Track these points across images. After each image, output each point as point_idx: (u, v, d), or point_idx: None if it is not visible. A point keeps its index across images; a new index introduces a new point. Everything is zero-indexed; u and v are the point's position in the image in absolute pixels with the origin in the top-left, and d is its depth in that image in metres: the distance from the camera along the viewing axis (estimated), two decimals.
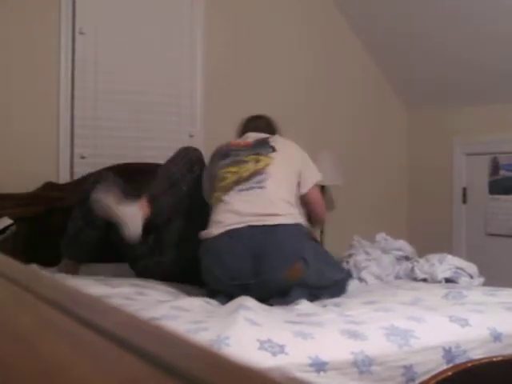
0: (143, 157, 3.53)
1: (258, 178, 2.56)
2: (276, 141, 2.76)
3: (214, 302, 2.30)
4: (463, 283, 2.72)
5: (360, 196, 4.32)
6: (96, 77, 3.49)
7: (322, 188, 4.00)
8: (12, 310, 0.55)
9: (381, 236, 3.21)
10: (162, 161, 3.51)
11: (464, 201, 4.12)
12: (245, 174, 2.57)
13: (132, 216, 2.51)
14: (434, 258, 2.89)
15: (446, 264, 2.80)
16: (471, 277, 2.78)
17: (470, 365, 1.85)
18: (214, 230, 2.46)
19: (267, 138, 2.78)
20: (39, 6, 3.38)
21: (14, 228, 2.91)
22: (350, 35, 4.32)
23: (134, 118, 3.60)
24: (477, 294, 2.39)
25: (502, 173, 3.88)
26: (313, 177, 2.78)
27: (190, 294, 2.48)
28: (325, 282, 2.54)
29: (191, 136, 3.73)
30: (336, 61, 4.29)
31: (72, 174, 3.42)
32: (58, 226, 3.24)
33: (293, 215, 2.51)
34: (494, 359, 1.90)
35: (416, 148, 4.50)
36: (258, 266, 2.37)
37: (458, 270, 2.79)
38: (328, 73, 4.27)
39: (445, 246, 4.08)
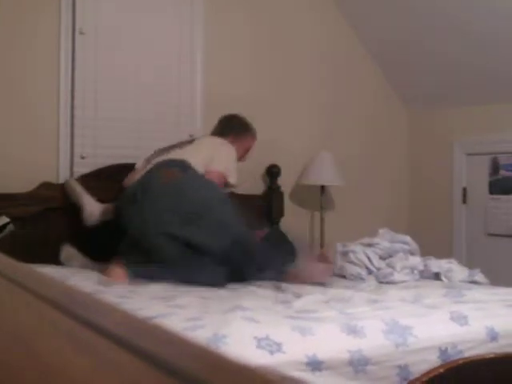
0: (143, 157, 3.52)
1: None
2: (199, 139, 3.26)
3: (210, 297, 2.30)
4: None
5: (360, 196, 4.32)
6: (96, 77, 3.49)
7: (322, 188, 4.00)
8: (12, 310, 0.55)
9: (384, 230, 3.19)
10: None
11: (464, 201, 4.12)
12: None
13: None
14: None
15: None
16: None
17: (461, 362, 1.85)
18: None
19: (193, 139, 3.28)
20: (39, 5, 3.38)
21: (11, 226, 2.91)
22: (351, 36, 4.31)
23: (133, 118, 3.60)
24: (477, 292, 2.39)
25: (502, 173, 3.88)
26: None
27: (188, 291, 2.47)
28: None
29: (191, 136, 3.72)
30: (336, 62, 4.29)
31: (72, 174, 3.41)
32: (56, 225, 3.25)
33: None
34: (486, 356, 1.91)
35: (416, 148, 4.50)
36: None
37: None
38: (328, 74, 4.27)
39: (445, 245, 4.08)
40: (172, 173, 2.80)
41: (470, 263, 3.17)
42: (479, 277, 2.79)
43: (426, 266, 2.88)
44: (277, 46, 4.07)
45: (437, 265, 2.86)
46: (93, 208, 3.12)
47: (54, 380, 0.37)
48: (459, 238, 4.11)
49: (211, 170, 3.06)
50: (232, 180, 3.15)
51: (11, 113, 3.32)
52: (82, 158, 3.45)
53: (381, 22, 4.13)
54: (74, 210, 3.26)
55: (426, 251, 3.15)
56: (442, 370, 1.80)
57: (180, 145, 3.21)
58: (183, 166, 2.87)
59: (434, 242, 3.97)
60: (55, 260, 2.97)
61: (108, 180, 3.37)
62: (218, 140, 3.25)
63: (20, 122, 3.34)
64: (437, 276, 2.82)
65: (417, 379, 1.77)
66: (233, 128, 3.35)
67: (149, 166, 2.99)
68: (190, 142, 3.26)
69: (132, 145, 3.58)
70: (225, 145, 3.22)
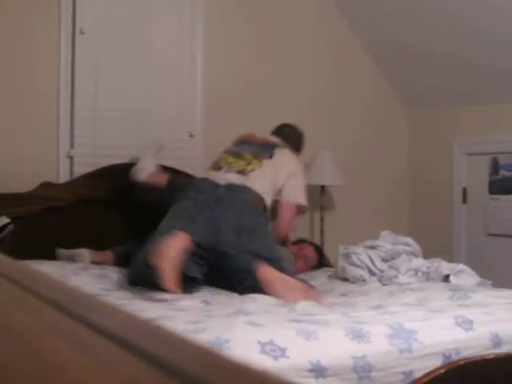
0: None
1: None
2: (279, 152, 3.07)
3: (212, 302, 2.29)
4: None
5: (361, 196, 4.32)
6: (96, 77, 3.49)
7: (322, 188, 4.00)
8: (12, 309, 0.55)
9: (386, 232, 3.18)
10: (161, 161, 3.53)
11: (464, 201, 4.12)
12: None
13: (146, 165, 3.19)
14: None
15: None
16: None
17: (462, 362, 1.85)
18: None
19: (275, 144, 3.11)
20: (39, 5, 3.38)
21: (11, 227, 2.91)
22: (352, 38, 4.31)
23: (133, 117, 3.60)
24: (482, 295, 2.36)
25: (502, 173, 3.88)
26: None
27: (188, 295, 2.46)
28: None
29: (191, 136, 3.73)
30: (336, 62, 4.29)
31: (71, 173, 3.42)
32: (56, 225, 3.25)
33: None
34: (487, 357, 1.91)
35: (416, 148, 4.50)
36: None
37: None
38: (328, 74, 4.27)
39: (445, 245, 4.08)
40: (258, 203, 2.83)
41: (469, 263, 3.17)
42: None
43: (435, 267, 2.84)
44: (277, 45, 4.07)
45: (447, 267, 2.83)
46: (148, 165, 3.16)
47: (54, 380, 0.37)
48: (459, 238, 4.11)
49: (285, 204, 3.02)
50: (303, 202, 3.12)
51: (12, 113, 3.32)
52: (83, 157, 3.45)
53: (381, 21, 4.13)
54: (74, 210, 3.27)
55: (426, 251, 3.14)
56: (442, 371, 1.80)
57: (261, 151, 3.06)
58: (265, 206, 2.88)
59: (434, 241, 3.96)
60: (55, 259, 2.98)
61: (108, 180, 3.37)
62: (297, 162, 3.19)
63: (20, 122, 3.34)
64: (445, 278, 2.79)
65: (418, 379, 1.77)
66: (301, 146, 3.40)
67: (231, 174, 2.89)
68: (270, 153, 3.08)
69: (132, 145, 3.58)
70: (301, 169, 3.19)
